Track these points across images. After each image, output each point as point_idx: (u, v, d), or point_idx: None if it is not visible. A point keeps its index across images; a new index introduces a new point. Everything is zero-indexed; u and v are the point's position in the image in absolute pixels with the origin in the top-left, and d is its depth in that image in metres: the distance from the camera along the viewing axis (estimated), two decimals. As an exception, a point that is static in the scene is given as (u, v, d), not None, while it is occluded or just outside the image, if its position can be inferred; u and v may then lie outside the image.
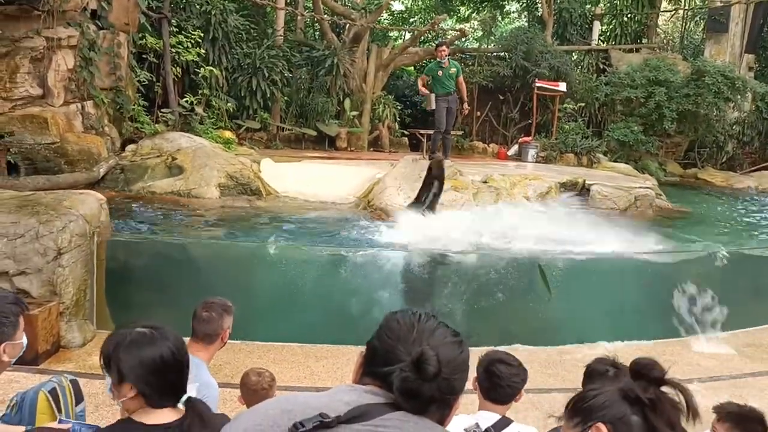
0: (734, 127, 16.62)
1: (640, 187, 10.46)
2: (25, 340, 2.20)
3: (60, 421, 2.40)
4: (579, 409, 1.42)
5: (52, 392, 2.58)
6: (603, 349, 5.90)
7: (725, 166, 16.77)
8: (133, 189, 8.50)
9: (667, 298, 6.65)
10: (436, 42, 12.59)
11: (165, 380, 1.84)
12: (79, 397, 2.67)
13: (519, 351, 5.07)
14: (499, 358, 2.61)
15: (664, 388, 1.39)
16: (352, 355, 5.58)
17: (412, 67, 18.46)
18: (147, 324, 1.92)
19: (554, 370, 5.64)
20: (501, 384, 2.54)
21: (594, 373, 2.57)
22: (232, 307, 3.01)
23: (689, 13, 21.03)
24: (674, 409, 1.35)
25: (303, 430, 1.08)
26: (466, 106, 10.58)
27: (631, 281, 6.95)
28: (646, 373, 1.40)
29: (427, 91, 10.28)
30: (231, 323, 2.99)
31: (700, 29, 21.02)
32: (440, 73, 10.18)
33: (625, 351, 5.81)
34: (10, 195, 5.76)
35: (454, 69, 10.26)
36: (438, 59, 10.36)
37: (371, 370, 1.29)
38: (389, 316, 1.34)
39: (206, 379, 2.78)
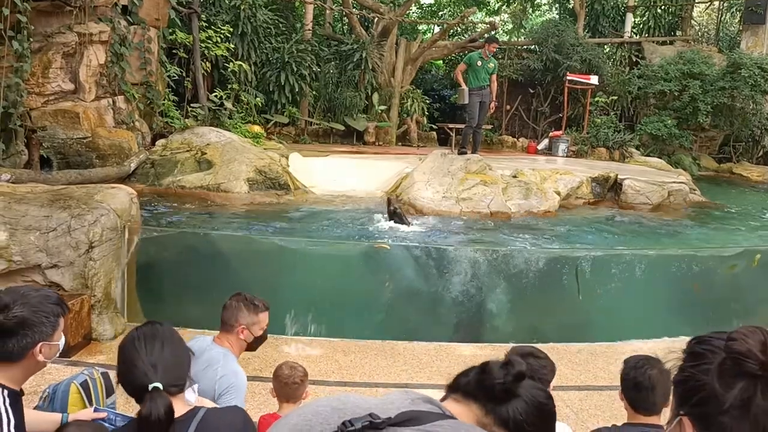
0: (772, 121, 16.16)
1: (674, 182, 10.23)
2: (62, 342, 2.14)
3: (96, 410, 2.40)
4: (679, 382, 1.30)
5: (84, 385, 2.59)
6: (637, 346, 5.78)
7: (761, 161, 16.31)
8: (163, 183, 8.57)
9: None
10: (486, 36, 12.42)
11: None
12: (110, 390, 2.68)
13: (550, 347, 4.99)
14: (528, 351, 2.58)
15: None
16: (379, 350, 5.55)
17: (441, 61, 18.34)
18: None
19: (585, 367, 5.53)
20: (531, 376, 2.51)
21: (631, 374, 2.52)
22: (260, 306, 2.95)
23: (725, 4, 20.48)
24: None
25: (352, 429, 1.05)
26: (493, 104, 10.44)
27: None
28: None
29: (463, 83, 10.14)
30: (257, 321, 2.94)
31: (736, 21, 20.47)
32: (479, 63, 9.99)
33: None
34: (42, 189, 5.83)
35: (492, 64, 10.13)
36: (486, 52, 10.08)
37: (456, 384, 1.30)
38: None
39: (233, 368, 2.82)
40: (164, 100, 10.18)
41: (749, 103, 14.66)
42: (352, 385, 4.81)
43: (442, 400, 1.30)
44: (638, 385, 2.47)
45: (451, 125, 13.90)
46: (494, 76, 10.20)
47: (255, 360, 4.99)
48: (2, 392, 1.94)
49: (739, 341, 1.08)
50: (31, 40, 7.54)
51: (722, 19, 20.92)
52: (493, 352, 5.60)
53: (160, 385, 1.77)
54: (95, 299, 5.19)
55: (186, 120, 10.34)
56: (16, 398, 1.98)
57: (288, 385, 3.07)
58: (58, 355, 2.15)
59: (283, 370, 3.13)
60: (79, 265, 5.14)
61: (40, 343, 2.01)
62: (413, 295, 6.29)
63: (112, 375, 2.72)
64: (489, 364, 1.24)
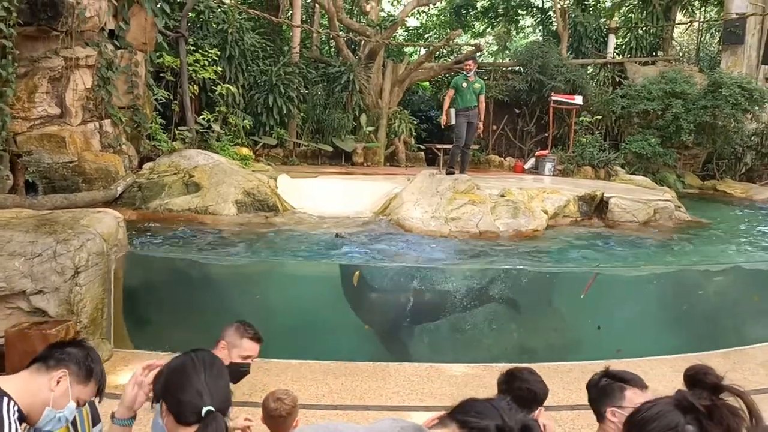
0: (753, 138, 16.42)
1: (659, 200, 10.31)
2: (71, 406, 2.18)
3: None
4: (634, 422, 1.34)
5: (70, 415, 2.54)
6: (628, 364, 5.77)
7: (744, 178, 16.55)
8: (150, 207, 8.51)
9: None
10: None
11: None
12: (96, 419, 2.63)
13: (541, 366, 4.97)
14: (523, 368, 2.67)
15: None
16: (370, 372, 5.51)
17: (428, 82, 18.50)
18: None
19: (577, 386, 5.51)
20: (522, 387, 2.56)
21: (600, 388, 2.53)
22: (248, 332, 2.98)
23: (704, 25, 20.91)
24: (734, 416, 1.27)
25: None
26: (481, 125, 10.54)
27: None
28: (701, 379, 1.33)
29: (445, 111, 10.31)
30: (239, 345, 2.94)
31: (716, 41, 20.88)
32: (465, 85, 10.15)
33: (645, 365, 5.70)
34: (27, 214, 5.77)
35: (479, 85, 10.25)
36: (465, 72, 10.36)
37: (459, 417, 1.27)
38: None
39: None
40: (151, 123, 10.16)
41: (731, 121, 14.90)
42: (343, 408, 4.76)
43: (435, 425, 1.29)
44: None
45: (438, 145, 13.98)
46: (482, 97, 10.30)
47: (244, 385, 4.92)
48: (9, 404, 1.95)
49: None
50: (17, 64, 7.51)
51: (702, 39, 21.35)
52: (484, 372, 5.57)
53: (213, 408, 1.81)
54: (81, 325, 5.11)
55: (173, 143, 10.32)
56: (21, 421, 2.00)
57: (275, 418, 3.02)
58: (59, 413, 2.15)
59: (270, 403, 3.06)
60: (64, 291, 5.07)
61: (64, 371, 2.12)
62: (390, 315, 6.30)
63: (99, 404, 2.68)
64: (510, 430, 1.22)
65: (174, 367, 1.93)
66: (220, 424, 1.77)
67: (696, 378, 1.34)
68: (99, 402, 2.30)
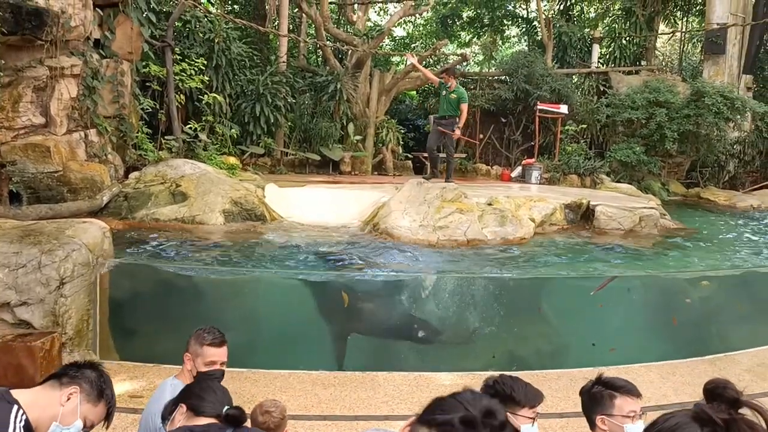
0: (735, 147, 16.63)
1: (644, 207, 10.39)
2: (77, 426, 2.17)
3: None
4: None
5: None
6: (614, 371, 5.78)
7: (727, 185, 16.75)
8: (136, 216, 8.45)
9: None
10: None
11: None
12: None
13: (529, 374, 4.98)
14: (507, 375, 2.63)
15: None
16: (359, 381, 5.49)
17: (415, 92, 18.58)
18: None
19: (565, 394, 5.53)
20: (521, 384, 2.54)
21: (591, 395, 2.53)
22: (207, 338, 2.89)
23: (687, 35, 21.20)
24: (752, 430, 1.27)
25: None
26: (457, 132, 10.66)
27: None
28: (720, 393, 1.34)
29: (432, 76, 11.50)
30: (200, 354, 2.88)
31: (698, 51, 21.18)
32: (444, 93, 10.59)
33: (637, 371, 5.72)
34: (12, 225, 5.71)
35: (455, 96, 10.48)
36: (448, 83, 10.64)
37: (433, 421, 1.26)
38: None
39: (158, 395, 2.85)
40: (137, 132, 10.11)
41: (713, 129, 15.09)
42: (332, 419, 4.73)
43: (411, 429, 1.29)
44: None
45: (425, 154, 14.02)
46: (463, 106, 10.44)
47: (232, 396, 4.88)
48: (18, 412, 1.98)
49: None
50: (1, 74, 7.46)
51: (684, 49, 21.63)
52: (473, 381, 5.57)
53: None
54: (66, 337, 5.06)
55: (160, 152, 10.27)
56: (29, 428, 2.02)
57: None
58: (69, 426, 2.15)
59: (258, 416, 3.03)
60: (49, 302, 5.02)
61: (76, 388, 2.15)
62: (378, 324, 6.28)
63: (106, 430, 2.66)
64: (473, 418, 1.20)
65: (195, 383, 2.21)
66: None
67: (715, 391, 1.36)
68: (107, 427, 2.30)
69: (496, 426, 1.19)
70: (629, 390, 2.48)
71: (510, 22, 22.24)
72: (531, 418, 2.48)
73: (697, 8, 20.10)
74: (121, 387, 5.02)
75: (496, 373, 2.70)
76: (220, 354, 2.90)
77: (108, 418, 2.29)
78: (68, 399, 2.13)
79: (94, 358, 5.34)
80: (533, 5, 20.78)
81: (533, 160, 14.93)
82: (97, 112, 8.87)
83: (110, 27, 9.42)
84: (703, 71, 17.44)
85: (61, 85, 8.30)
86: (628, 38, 18.71)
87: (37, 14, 7.74)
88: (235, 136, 12.53)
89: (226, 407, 2.14)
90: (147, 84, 11.09)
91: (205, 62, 12.18)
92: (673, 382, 5.79)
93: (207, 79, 12.18)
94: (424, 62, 17.63)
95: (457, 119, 10.52)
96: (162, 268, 6.38)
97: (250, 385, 5.24)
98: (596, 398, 2.47)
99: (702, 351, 6.48)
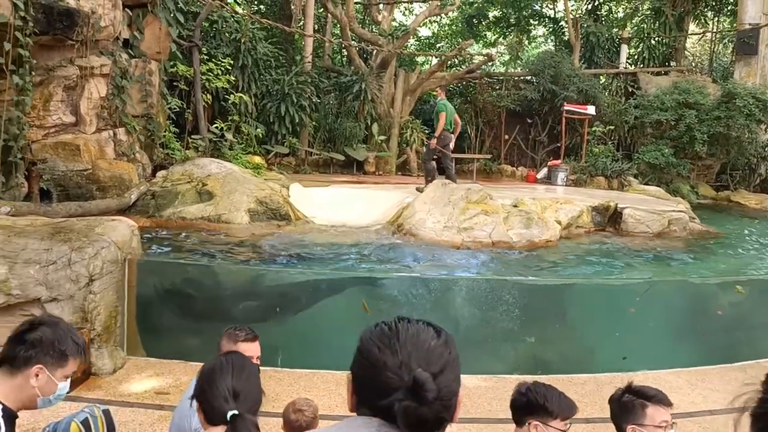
0: (767, 149, 16.28)
1: (673, 211, 10.22)
2: (63, 386, 2.14)
3: None
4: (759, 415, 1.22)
5: (84, 423, 2.51)
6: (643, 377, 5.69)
7: (758, 188, 16.41)
8: (163, 215, 8.53)
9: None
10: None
11: None
12: (111, 428, 2.60)
13: (555, 379, 4.91)
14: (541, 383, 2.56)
15: None
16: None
17: (439, 92, 18.47)
18: None
19: (592, 399, 5.44)
20: (555, 393, 2.46)
21: (621, 404, 2.46)
22: (240, 335, 2.89)
23: (717, 35, 20.82)
24: None
25: None
26: (433, 142, 10.62)
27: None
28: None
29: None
30: (230, 349, 2.88)
31: (729, 51, 20.78)
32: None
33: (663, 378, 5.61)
34: (42, 222, 5.79)
35: (437, 108, 10.66)
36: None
37: (366, 403, 1.21)
38: (365, 338, 1.24)
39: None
40: (165, 131, 10.22)
41: (745, 132, 14.80)
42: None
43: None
44: None
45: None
46: (440, 114, 10.47)
47: (257, 394, 4.90)
48: None
49: None
50: (33, 73, 7.58)
51: (715, 49, 21.24)
52: (497, 384, 5.52)
53: (237, 412, 1.86)
54: (95, 333, 5.12)
55: (187, 151, 10.37)
56: (11, 418, 1.99)
57: (295, 429, 3.01)
58: (53, 396, 2.14)
59: (290, 414, 3.05)
60: (78, 299, 5.07)
61: (39, 366, 2.06)
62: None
63: (112, 410, 2.66)
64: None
65: (205, 371, 2.01)
66: (247, 426, 1.83)
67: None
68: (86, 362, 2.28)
69: None
70: (660, 399, 2.42)
71: (536, 22, 22.07)
72: (563, 430, 2.42)
73: (729, 8, 19.72)
74: (147, 383, 5.06)
75: (529, 378, 2.64)
76: (254, 349, 2.94)
77: (83, 354, 2.22)
78: (37, 377, 2.07)
79: (122, 354, 5.40)
80: (560, 5, 20.59)
81: (559, 161, 14.79)
82: (125, 111, 8.98)
83: (139, 27, 9.53)
84: (734, 72, 17.11)
85: (90, 84, 8.42)
86: (657, 38, 18.45)
87: (68, 14, 7.86)
88: (260, 135, 12.61)
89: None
90: (174, 84, 11.21)
91: (232, 62, 12.28)
92: (702, 389, 5.67)
93: (233, 78, 12.27)
94: (449, 62, 17.57)
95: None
96: (188, 264, 6.43)
97: (274, 383, 5.24)
98: (627, 407, 2.41)
99: (731, 358, 6.34)
